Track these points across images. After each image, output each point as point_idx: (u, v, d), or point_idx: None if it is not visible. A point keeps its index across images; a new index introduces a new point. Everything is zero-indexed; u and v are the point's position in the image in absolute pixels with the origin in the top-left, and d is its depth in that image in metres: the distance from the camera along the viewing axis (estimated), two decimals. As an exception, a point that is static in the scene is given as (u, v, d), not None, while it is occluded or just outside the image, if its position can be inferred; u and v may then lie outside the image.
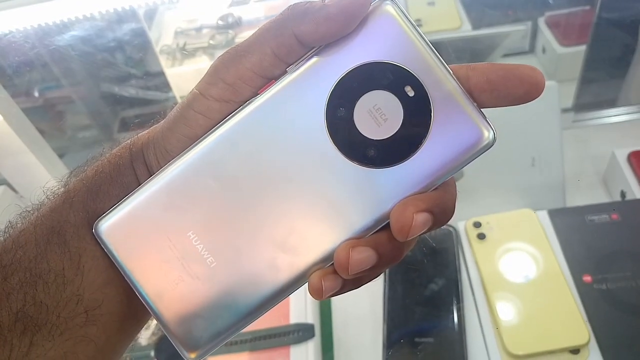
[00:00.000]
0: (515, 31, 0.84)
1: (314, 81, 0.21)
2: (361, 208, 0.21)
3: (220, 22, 0.97)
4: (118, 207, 0.24)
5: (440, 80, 0.21)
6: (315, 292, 0.22)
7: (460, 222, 0.63)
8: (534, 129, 0.66)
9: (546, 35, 0.83)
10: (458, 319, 0.56)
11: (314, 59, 0.21)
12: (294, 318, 0.60)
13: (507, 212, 0.63)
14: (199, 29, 0.98)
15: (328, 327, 0.64)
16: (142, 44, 0.78)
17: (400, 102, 0.21)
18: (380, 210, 0.21)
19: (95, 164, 0.26)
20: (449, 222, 0.62)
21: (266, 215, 0.22)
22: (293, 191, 0.22)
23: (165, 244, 0.23)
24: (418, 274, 0.59)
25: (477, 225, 0.62)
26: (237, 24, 0.97)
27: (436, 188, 0.21)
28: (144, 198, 0.23)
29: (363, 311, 0.65)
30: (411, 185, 0.21)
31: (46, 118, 0.90)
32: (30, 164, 0.76)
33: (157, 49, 0.81)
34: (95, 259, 0.24)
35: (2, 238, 0.24)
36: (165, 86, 0.89)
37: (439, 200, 0.21)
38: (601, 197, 0.71)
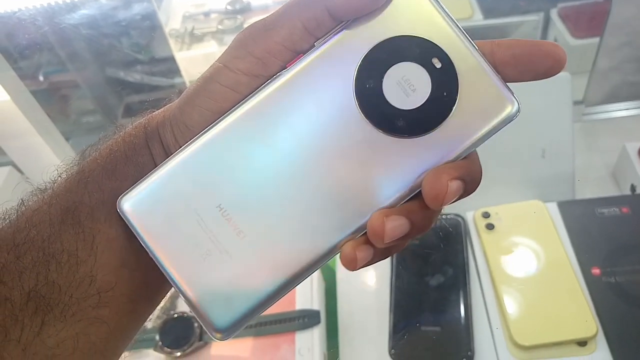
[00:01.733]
0: (527, 21, 0.83)
1: (343, 54, 0.21)
2: (393, 178, 0.21)
3: (228, 7, 0.96)
4: (142, 183, 0.23)
5: (466, 53, 0.21)
6: (349, 263, 0.22)
7: (469, 212, 0.63)
8: (545, 121, 0.65)
9: (558, 27, 0.82)
10: (465, 308, 0.55)
11: (344, 32, 0.21)
12: (300, 304, 0.59)
13: (516, 203, 0.62)
14: (207, 14, 0.97)
15: (333, 314, 0.64)
16: (150, 27, 0.78)
17: (428, 73, 0.21)
18: (411, 179, 0.21)
19: (109, 143, 0.25)
20: (458, 212, 0.62)
21: (298, 188, 0.22)
22: (324, 163, 0.22)
23: (192, 219, 0.23)
24: (426, 263, 0.59)
25: (486, 215, 0.61)
26: (245, 9, 0.96)
27: (464, 158, 0.22)
28: (170, 172, 0.23)
29: (368, 299, 0.64)
30: (441, 154, 0.21)
31: (51, 102, 0.90)
32: (36, 146, 0.76)
33: (166, 33, 0.80)
34: (110, 241, 0.23)
35: (15, 216, 0.23)
36: (171, 72, 0.89)
37: (469, 169, 0.22)
38: (610, 191, 0.70)
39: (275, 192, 0.22)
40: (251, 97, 0.22)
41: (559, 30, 0.82)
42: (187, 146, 0.23)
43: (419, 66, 0.21)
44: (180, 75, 0.90)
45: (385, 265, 0.60)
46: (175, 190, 0.23)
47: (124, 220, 0.23)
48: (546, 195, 0.63)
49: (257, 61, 0.22)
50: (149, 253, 0.23)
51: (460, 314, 0.55)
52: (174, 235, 0.23)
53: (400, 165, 0.21)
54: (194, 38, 0.93)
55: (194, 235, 0.23)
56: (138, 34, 0.79)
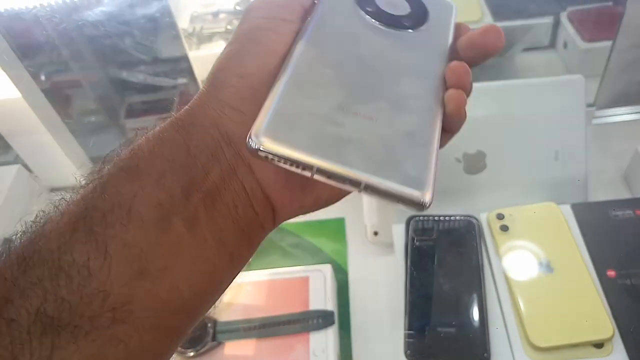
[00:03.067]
0: (537, 24, 0.83)
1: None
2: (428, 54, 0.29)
3: (237, 8, 0.96)
4: (261, 115, 0.23)
5: None
6: (462, 100, 0.26)
7: (483, 214, 0.63)
8: (559, 123, 0.65)
9: (568, 30, 0.83)
10: (480, 310, 0.55)
11: None
12: (314, 305, 0.59)
13: (530, 205, 0.62)
14: (215, 14, 0.97)
15: (346, 315, 0.64)
16: (168, 25, 0.77)
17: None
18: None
19: (131, 147, 0.24)
20: (472, 213, 0.61)
21: (389, 72, 0.27)
22: (388, 57, 0.28)
23: (330, 125, 0.24)
24: (440, 265, 0.59)
25: (500, 217, 0.61)
26: (254, 9, 0.96)
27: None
28: (284, 96, 0.24)
29: (381, 301, 0.64)
30: (441, 38, 0.30)
31: (54, 101, 0.89)
32: (46, 144, 0.76)
33: (180, 32, 0.80)
34: (126, 247, 0.21)
35: (31, 229, 0.22)
36: (176, 72, 0.88)
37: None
38: (623, 194, 0.70)
39: (375, 80, 0.26)
40: (301, 38, 0.26)
41: (569, 33, 0.82)
42: (281, 73, 0.25)
43: None
44: (184, 76, 0.89)
45: (396, 266, 0.60)
46: (298, 109, 0.24)
47: (144, 221, 0.21)
48: (559, 198, 0.63)
49: (284, 8, 0.27)
50: (310, 172, 0.22)
51: (475, 316, 0.55)
52: (325, 144, 0.23)
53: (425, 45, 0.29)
54: (203, 38, 0.93)
55: (340, 136, 0.23)
56: (151, 33, 0.78)
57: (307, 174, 0.22)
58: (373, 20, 0.29)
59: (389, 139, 0.24)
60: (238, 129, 0.24)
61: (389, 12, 0.29)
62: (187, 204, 0.23)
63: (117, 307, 0.20)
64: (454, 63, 0.27)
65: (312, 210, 0.27)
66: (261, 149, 0.22)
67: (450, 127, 0.27)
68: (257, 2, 0.27)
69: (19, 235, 0.22)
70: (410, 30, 0.29)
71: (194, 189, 0.23)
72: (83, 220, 0.21)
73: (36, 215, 0.22)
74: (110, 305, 0.20)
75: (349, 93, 0.25)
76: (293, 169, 0.22)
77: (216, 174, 0.24)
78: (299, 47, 0.26)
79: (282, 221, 0.26)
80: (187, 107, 0.25)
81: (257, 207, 0.25)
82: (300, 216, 0.28)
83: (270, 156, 0.22)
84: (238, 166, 0.24)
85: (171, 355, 0.24)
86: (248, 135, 0.22)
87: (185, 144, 0.24)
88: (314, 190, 0.26)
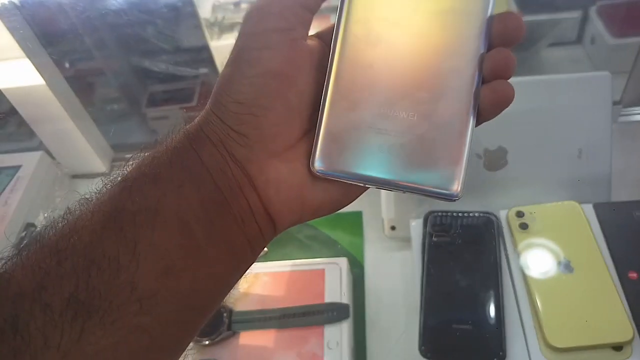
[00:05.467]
0: (565, 19, 0.81)
1: None
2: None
3: (259, -2, 0.96)
4: (319, 139, 0.27)
5: None
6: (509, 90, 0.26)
7: (502, 211, 0.62)
8: (583, 120, 0.64)
9: (597, 25, 0.80)
10: (497, 308, 0.55)
11: None
12: (329, 298, 0.59)
13: (551, 203, 0.61)
14: (237, 4, 0.97)
15: (361, 309, 0.64)
16: (190, 14, 0.78)
17: None
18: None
19: (152, 152, 0.26)
20: (491, 210, 0.61)
21: (426, 66, 0.27)
22: (424, 49, 0.27)
23: (375, 134, 0.27)
24: (457, 261, 0.58)
25: (520, 214, 0.60)
26: None
27: None
28: (331, 117, 0.27)
29: (396, 296, 0.64)
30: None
31: (76, 89, 0.90)
32: (69, 131, 0.77)
33: (202, 22, 0.80)
34: (153, 246, 0.23)
35: (60, 224, 0.24)
36: (197, 62, 0.88)
37: None
38: (647, 194, 0.69)
39: (412, 77, 0.27)
40: (338, 35, 0.27)
41: (598, 28, 0.80)
42: (327, 92, 0.27)
43: None
44: (206, 66, 0.89)
45: (413, 262, 0.60)
46: (344, 126, 0.27)
47: (168, 224, 0.24)
48: (582, 197, 0.62)
49: (278, 16, 0.25)
50: (362, 184, 0.27)
51: (492, 314, 0.54)
52: (371, 158, 0.27)
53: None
54: (224, 28, 0.93)
55: (383, 145, 0.27)
56: (173, 22, 0.78)
57: (361, 184, 0.27)
58: None
59: (426, 137, 0.27)
60: (243, 150, 0.26)
61: None
62: (203, 212, 0.25)
63: (144, 299, 0.22)
64: (494, 51, 0.27)
65: (311, 219, 0.29)
66: (318, 172, 0.27)
67: (487, 116, 0.27)
68: (251, 11, 0.26)
69: (47, 228, 0.23)
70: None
71: (209, 200, 0.25)
72: (113, 220, 0.23)
73: (64, 212, 0.24)
74: (137, 297, 0.22)
75: (389, 95, 0.27)
76: (349, 182, 0.27)
77: (226, 189, 0.26)
78: (335, 60, 0.27)
79: (282, 231, 0.29)
80: (196, 121, 0.27)
81: (260, 221, 0.27)
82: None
83: (329, 177, 0.27)
84: (244, 184, 0.26)
85: (186, 348, 0.25)
86: (310, 161, 0.27)
87: (199, 157, 0.25)
88: (313, 205, 0.28)
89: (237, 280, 0.27)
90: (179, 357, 0.25)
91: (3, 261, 0.23)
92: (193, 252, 0.24)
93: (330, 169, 0.27)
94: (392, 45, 0.27)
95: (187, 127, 0.27)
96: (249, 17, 0.26)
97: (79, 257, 0.22)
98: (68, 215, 0.24)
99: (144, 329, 0.22)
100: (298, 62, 0.27)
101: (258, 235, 0.27)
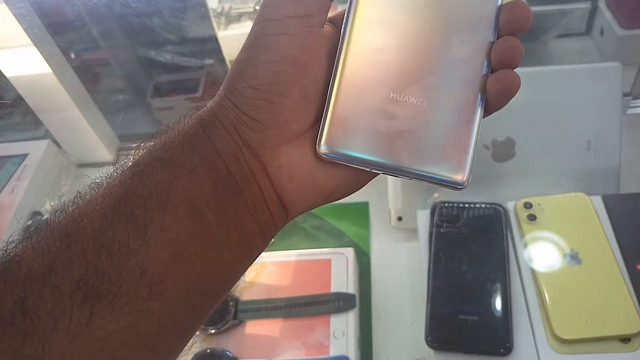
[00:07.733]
0: (574, 10, 0.81)
1: None
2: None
3: (266, -12, 0.95)
4: (325, 123, 0.27)
5: None
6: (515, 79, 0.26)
7: (510, 202, 0.61)
8: (593, 111, 0.63)
9: (606, 16, 0.80)
10: (504, 299, 0.54)
11: None
12: (335, 287, 0.59)
13: (560, 195, 0.61)
14: (244, -6, 0.97)
15: (367, 299, 0.64)
16: (198, 3, 0.77)
17: None
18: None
19: (164, 137, 0.25)
20: (498, 201, 0.60)
21: (435, 53, 0.27)
22: (433, 36, 0.27)
23: (383, 117, 0.27)
24: (464, 252, 0.58)
25: (528, 206, 0.60)
26: (283, -10, 0.95)
27: None
28: (338, 99, 0.27)
29: (403, 286, 0.64)
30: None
31: (83, 78, 0.90)
32: (75, 120, 0.76)
33: (209, 12, 0.80)
34: (163, 231, 0.23)
35: (71, 208, 0.23)
36: (204, 53, 0.88)
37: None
38: (656, 186, 0.68)
39: (422, 63, 0.27)
40: (351, 20, 0.27)
41: (607, 19, 0.79)
42: (336, 76, 0.27)
43: None
44: (212, 57, 0.89)
45: (419, 252, 0.60)
46: (352, 109, 0.27)
47: (179, 209, 0.23)
48: (590, 189, 0.62)
49: (296, 3, 0.25)
50: (369, 168, 0.27)
51: (498, 305, 0.54)
52: (378, 143, 0.26)
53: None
54: (231, 18, 0.93)
55: (391, 130, 0.27)
56: (179, 12, 0.78)
57: (367, 169, 0.27)
58: None
59: (434, 123, 0.26)
60: (256, 136, 0.26)
61: None
62: (215, 198, 0.25)
63: (153, 284, 0.22)
64: (501, 40, 0.26)
65: (324, 204, 0.29)
66: (324, 156, 0.26)
67: (494, 105, 0.27)
68: None
69: (57, 212, 0.23)
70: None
71: (221, 185, 0.25)
72: (124, 204, 0.23)
73: (75, 196, 0.24)
74: (147, 282, 0.22)
75: (398, 80, 0.27)
76: (355, 166, 0.27)
77: (238, 175, 0.25)
78: (345, 44, 0.27)
79: (294, 217, 0.28)
80: (209, 106, 0.26)
81: (272, 208, 0.27)
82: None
83: (334, 160, 0.27)
84: (256, 171, 0.26)
85: (194, 333, 0.25)
86: (317, 144, 0.27)
87: (212, 143, 0.25)
88: (325, 191, 0.28)
89: (248, 266, 0.27)
90: (186, 343, 0.25)
91: (13, 244, 0.23)
92: (204, 238, 0.24)
93: (335, 152, 0.26)
94: (402, 30, 0.27)
95: (200, 112, 0.26)
96: (267, 3, 0.26)
97: (88, 240, 0.22)
98: (78, 199, 0.24)
99: (153, 313, 0.22)
100: (315, 49, 0.26)
101: (270, 221, 0.27)
